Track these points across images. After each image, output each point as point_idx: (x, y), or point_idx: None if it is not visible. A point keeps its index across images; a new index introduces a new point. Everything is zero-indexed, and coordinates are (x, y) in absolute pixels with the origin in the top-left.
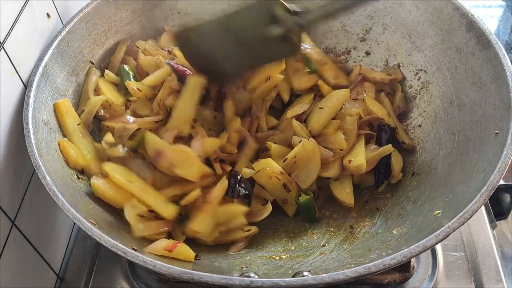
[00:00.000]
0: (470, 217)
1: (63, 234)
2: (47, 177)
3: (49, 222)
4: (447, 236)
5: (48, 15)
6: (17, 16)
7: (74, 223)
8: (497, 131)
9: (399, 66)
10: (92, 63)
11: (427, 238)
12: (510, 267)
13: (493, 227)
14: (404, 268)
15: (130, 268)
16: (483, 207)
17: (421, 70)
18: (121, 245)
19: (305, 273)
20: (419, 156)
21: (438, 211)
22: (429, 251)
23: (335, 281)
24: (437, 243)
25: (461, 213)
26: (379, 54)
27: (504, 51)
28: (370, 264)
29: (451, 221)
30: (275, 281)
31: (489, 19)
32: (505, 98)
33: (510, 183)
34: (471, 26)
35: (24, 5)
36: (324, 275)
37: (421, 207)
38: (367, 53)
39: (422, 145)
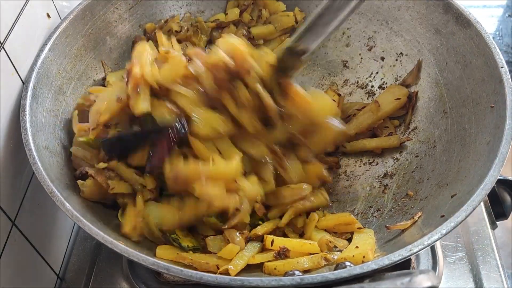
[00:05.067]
0: (487, 193)
1: (63, 234)
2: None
3: (49, 222)
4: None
5: (48, 15)
6: (17, 16)
7: (74, 223)
8: (493, 105)
9: (382, 59)
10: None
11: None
12: (510, 267)
13: (493, 227)
14: (404, 269)
15: (130, 269)
16: (483, 208)
17: (402, 54)
18: (123, 245)
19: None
20: (414, 136)
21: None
22: (429, 251)
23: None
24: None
25: (481, 186)
26: (358, 43)
27: (485, 29)
28: (370, 262)
29: (466, 204)
30: (325, 275)
31: (489, 19)
32: (494, 73)
33: (510, 178)
34: (448, 7)
35: (24, 5)
36: (364, 264)
37: (428, 184)
38: (347, 45)
39: (414, 125)
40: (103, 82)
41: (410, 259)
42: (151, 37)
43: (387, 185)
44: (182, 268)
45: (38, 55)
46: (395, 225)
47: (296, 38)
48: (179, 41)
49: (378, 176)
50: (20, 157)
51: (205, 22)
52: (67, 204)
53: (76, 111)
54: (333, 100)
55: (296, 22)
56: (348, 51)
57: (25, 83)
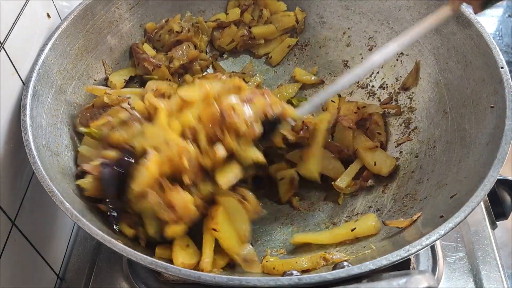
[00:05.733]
0: (486, 194)
1: (63, 234)
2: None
3: (49, 222)
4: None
5: (48, 15)
6: (17, 16)
7: (74, 223)
8: (493, 105)
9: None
10: None
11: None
12: (510, 267)
13: (493, 227)
14: (404, 269)
15: (130, 269)
16: (483, 208)
17: (402, 54)
18: (122, 245)
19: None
20: (414, 136)
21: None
22: (429, 252)
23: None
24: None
25: (481, 186)
26: (359, 43)
27: (486, 29)
28: (368, 262)
29: (464, 205)
30: (322, 275)
31: (489, 19)
32: (494, 73)
33: (510, 178)
34: None
35: (24, 5)
36: (367, 262)
37: (428, 185)
38: (348, 45)
39: (415, 125)
40: (105, 82)
41: (410, 260)
42: (151, 37)
43: (386, 185)
44: (181, 268)
45: (38, 55)
46: (392, 221)
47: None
48: (180, 42)
49: (378, 176)
50: (20, 157)
51: (205, 22)
52: (67, 204)
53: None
54: (333, 102)
55: (297, 21)
56: (348, 51)
57: (25, 82)
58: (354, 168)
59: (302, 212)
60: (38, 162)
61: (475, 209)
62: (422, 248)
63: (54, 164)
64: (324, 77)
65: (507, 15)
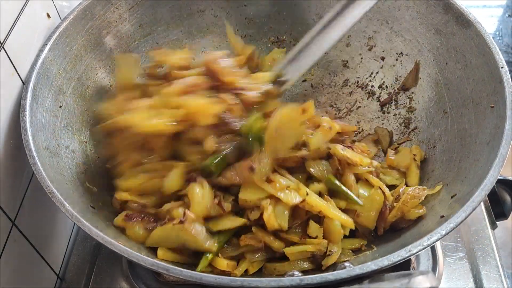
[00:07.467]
0: (487, 194)
1: (63, 234)
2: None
3: (49, 222)
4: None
5: (48, 15)
6: (17, 16)
7: (74, 223)
8: (493, 105)
9: (383, 59)
10: None
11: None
12: (510, 267)
13: (493, 227)
14: (404, 269)
15: (130, 269)
16: (483, 208)
17: (402, 54)
18: (122, 246)
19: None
20: (414, 136)
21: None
22: (429, 252)
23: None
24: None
25: (481, 186)
26: (358, 43)
27: (485, 29)
28: (370, 263)
29: (465, 205)
30: (324, 276)
31: (489, 19)
32: (494, 73)
33: (510, 178)
34: (448, 7)
35: (24, 5)
36: (370, 262)
37: (428, 184)
38: (347, 45)
39: (414, 125)
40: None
41: (410, 260)
42: None
43: None
44: (182, 269)
45: (38, 55)
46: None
47: (279, 69)
48: None
49: None
50: (20, 157)
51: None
52: (67, 205)
53: None
54: None
55: None
56: (348, 51)
57: (25, 83)
58: None
59: None
60: (38, 163)
61: (475, 209)
62: (424, 249)
63: (54, 165)
64: (324, 77)
65: (507, 15)
